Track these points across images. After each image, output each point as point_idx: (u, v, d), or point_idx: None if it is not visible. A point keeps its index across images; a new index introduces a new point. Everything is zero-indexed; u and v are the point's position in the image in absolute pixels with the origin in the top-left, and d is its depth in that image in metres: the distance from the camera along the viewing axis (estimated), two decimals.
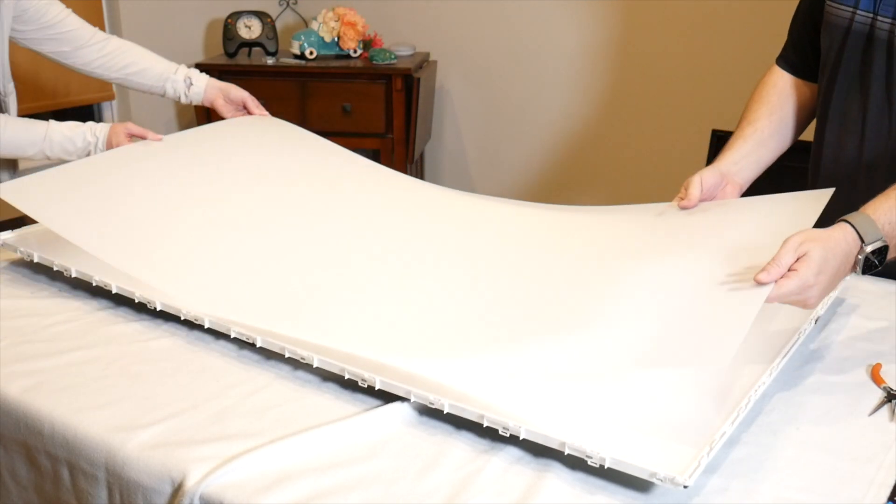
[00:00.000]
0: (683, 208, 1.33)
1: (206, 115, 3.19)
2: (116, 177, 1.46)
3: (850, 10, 1.32)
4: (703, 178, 1.34)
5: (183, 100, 1.83)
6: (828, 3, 1.36)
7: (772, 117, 1.45)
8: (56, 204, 1.35)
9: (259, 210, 1.42)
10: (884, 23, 1.29)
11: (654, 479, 0.80)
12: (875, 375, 1.04)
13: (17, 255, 1.34)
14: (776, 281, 0.98)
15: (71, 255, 1.28)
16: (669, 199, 1.38)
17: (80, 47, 1.76)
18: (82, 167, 1.48)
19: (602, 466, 0.83)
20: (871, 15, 1.30)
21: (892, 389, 1.01)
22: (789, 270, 0.99)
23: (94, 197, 1.39)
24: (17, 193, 1.35)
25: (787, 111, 1.47)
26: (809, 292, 1.00)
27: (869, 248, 1.04)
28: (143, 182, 1.45)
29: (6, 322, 1.17)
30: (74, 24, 1.76)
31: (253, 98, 1.81)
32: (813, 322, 1.10)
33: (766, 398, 0.99)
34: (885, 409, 0.98)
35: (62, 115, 3.27)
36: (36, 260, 1.30)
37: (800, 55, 1.47)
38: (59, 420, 0.96)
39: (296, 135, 1.76)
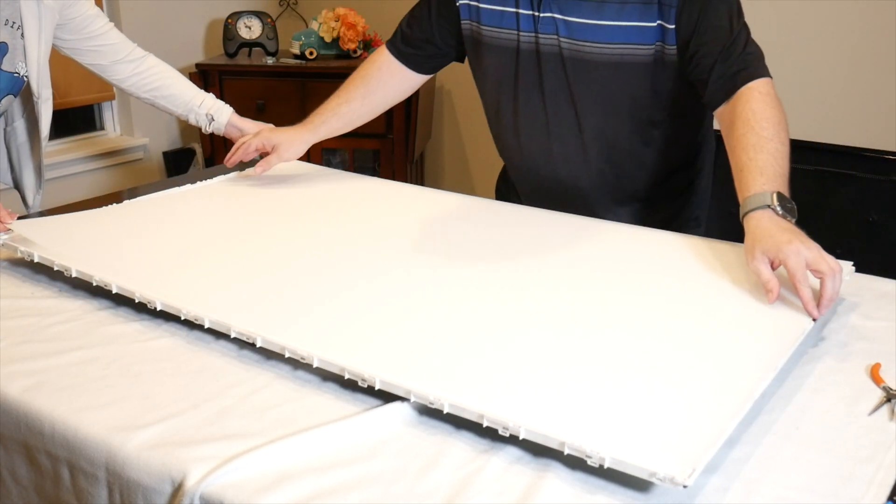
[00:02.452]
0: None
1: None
2: (134, 219, 1.51)
3: (515, 32, 1.49)
4: (292, 154, 1.69)
5: (205, 131, 1.87)
6: (488, 28, 1.52)
7: (365, 100, 1.68)
8: (72, 238, 1.38)
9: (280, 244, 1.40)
10: (548, 38, 1.46)
11: (653, 479, 0.80)
12: (875, 375, 1.04)
13: (17, 255, 1.34)
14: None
15: (71, 255, 1.28)
16: None
17: (116, 62, 1.80)
18: (102, 214, 1.52)
19: (602, 466, 0.83)
20: (532, 34, 1.47)
21: (891, 389, 1.01)
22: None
23: (112, 235, 1.42)
24: (31, 228, 1.38)
25: (380, 95, 1.70)
26: (809, 254, 1.12)
27: (778, 207, 1.19)
28: (157, 224, 1.49)
29: (6, 322, 1.17)
30: (115, 39, 1.80)
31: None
32: (812, 322, 1.11)
33: (766, 398, 0.99)
34: (885, 409, 0.98)
35: (62, 114, 3.28)
36: (36, 260, 1.30)
37: (413, 48, 1.66)
38: (59, 420, 0.96)
39: (309, 172, 1.80)
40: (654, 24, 1.39)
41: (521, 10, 1.47)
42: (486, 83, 1.61)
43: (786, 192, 1.22)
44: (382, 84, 1.69)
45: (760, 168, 1.23)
